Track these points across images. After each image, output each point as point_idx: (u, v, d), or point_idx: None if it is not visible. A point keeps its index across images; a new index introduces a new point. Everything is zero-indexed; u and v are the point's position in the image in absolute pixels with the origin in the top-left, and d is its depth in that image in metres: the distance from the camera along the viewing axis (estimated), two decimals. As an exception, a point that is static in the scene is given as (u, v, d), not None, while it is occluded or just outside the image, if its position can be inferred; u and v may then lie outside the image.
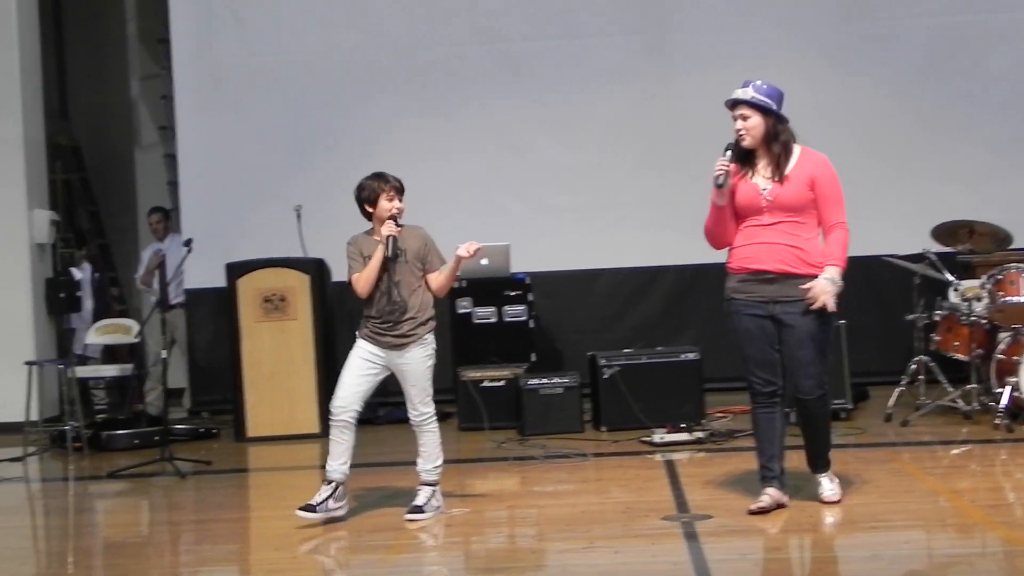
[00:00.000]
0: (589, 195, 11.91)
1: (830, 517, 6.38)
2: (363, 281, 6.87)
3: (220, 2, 12.26)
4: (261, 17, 12.23)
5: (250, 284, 10.42)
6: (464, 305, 10.87)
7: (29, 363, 10.41)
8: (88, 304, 12.28)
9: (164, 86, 13.23)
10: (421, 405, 6.98)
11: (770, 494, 6.43)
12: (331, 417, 6.95)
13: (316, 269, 10.52)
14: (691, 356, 9.77)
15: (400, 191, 6.97)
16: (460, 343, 10.84)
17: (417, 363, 6.89)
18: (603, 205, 11.88)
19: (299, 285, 10.42)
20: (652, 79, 11.96)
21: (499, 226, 11.53)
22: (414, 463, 8.99)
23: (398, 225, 6.92)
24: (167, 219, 12.32)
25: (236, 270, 10.48)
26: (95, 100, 14.39)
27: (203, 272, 11.29)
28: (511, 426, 9.89)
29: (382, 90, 12.10)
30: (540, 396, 9.75)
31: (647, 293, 11.94)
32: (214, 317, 11.80)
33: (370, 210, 6.97)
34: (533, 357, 10.68)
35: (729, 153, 6.34)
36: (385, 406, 11.43)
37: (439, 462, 7.03)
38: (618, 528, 6.44)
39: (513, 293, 10.89)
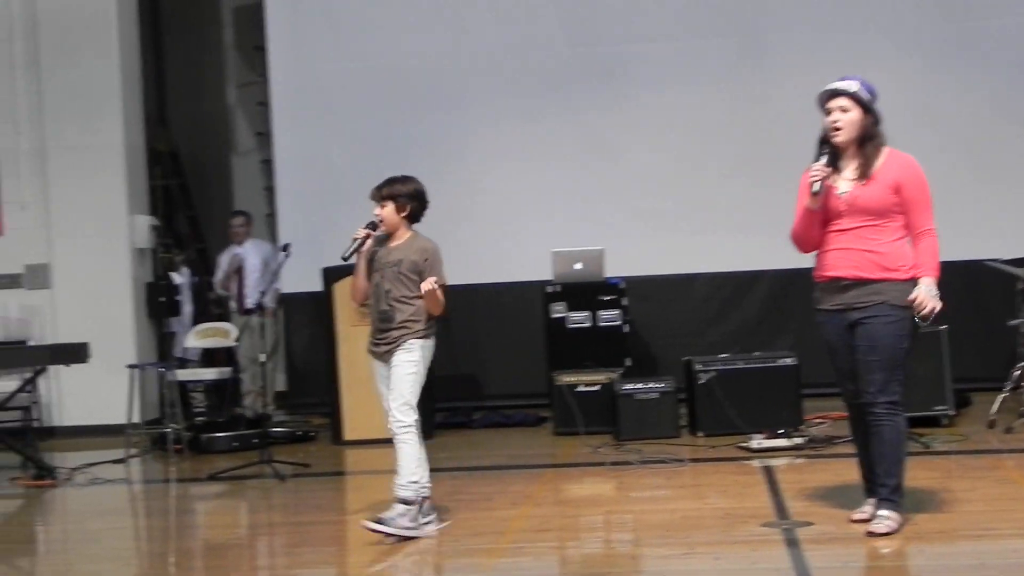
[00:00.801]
0: (684, 198, 11.84)
1: (934, 525, 6.25)
2: (351, 286, 6.91)
3: (315, 10, 12.39)
4: (355, 24, 12.33)
5: (347, 288, 10.42)
6: (558, 310, 10.85)
7: (131, 366, 10.56)
8: (187, 308, 12.45)
9: (260, 93, 13.38)
10: (398, 412, 6.62)
11: (872, 504, 6.26)
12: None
13: (411, 273, 10.55)
14: (789, 361, 9.64)
15: (381, 199, 6.83)
16: (554, 348, 10.83)
17: (399, 367, 6.63)
18: (698, 208, 11.79)
19: (394, 289, 10.45)
20: (747, 81, 11.86)
21: (593, 230, 11.52)
22: (512, 467, 9.08)
23: (374, 230, 6.83)
24: (249, 223, 12.47)
25: (333, 274, 10.55)
26: (193, 107, 14.61)
27: (299, 276, 11.40)
28: (606, 431, 9.85)
29: (474, 95, 12.14)
30: (636, 401, 9.69)
31: (744, 297, 11.83)
32: (310, 321, 11.92)
33: None
34: (628, 362, 10.63)
35: (826, 157, 6.09)
36: (480, 410, 11.50)
37: (415, 478, 6.63)
38: (718, 534, 6.38)
39: (607, 298, 10.85)
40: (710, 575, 5.61)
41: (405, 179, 6.93)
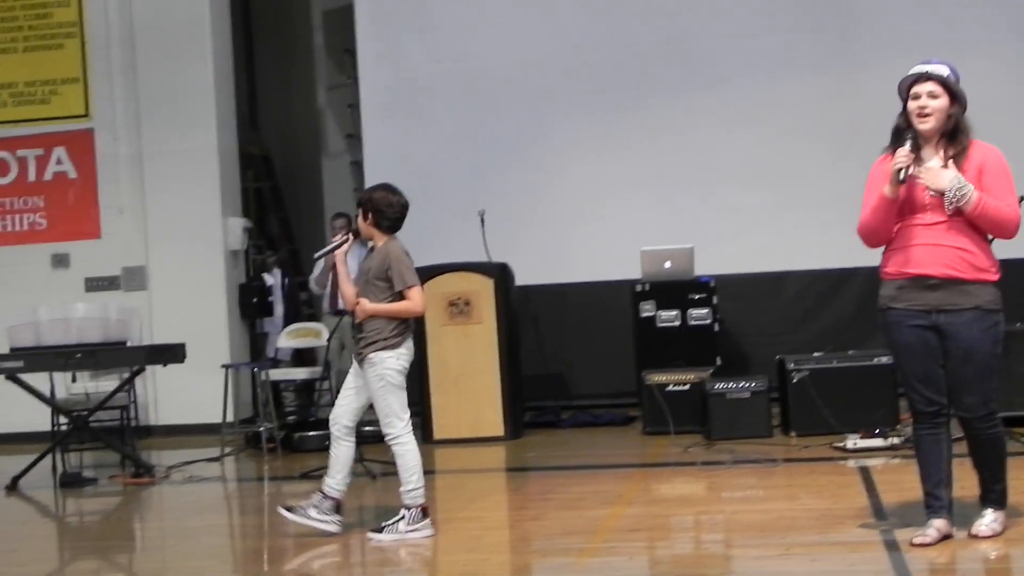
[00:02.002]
0: (774, 195, 11.73)
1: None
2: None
3: (404, 12, 12.47)
4: (444, 25, 12.39)
5: (435, 288, 10.51)
6: (647, 308, 10.80)
7: (225, 366, 10.70)
8: (279, 309, 12.59)
9: (350, 95, 13.49)
10: (384, 426, 6.76)
11: (936, 526, 5.76)
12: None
13: (500, 273, 10.59)
14: (884, 360, 9.44)
15: (357, 205, 6.98)
16: (644, 347, 10.79)
17: (369, 381, 6.73)
18: (789, 205, 11.68)
19: (483, 289, 10.49)
20: (840, 75, 11.72)
21: (682, 228, 11.47)
22: (602, 466, 9.07)
23: (356, 236, 7.03)
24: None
25: (421, 275, 10.36)
26: (284, 110, 14.78)
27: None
28: (696, 430, 9.80)
29: (563, 93, 12.13)
30: (727, 400, 9.62)
31: (837, 295, 11.69)
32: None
33: None
34: (718, 361, 10.56)
35: (910, 143, 5.65)
36: (569, 409, 11.49)
37: (410, 486, 6.71)
38: (814, 535, 6.30)
39: (697, 296, 10.78)
40: (807, 576, 5.55)
41: (374, 188, 7.03)
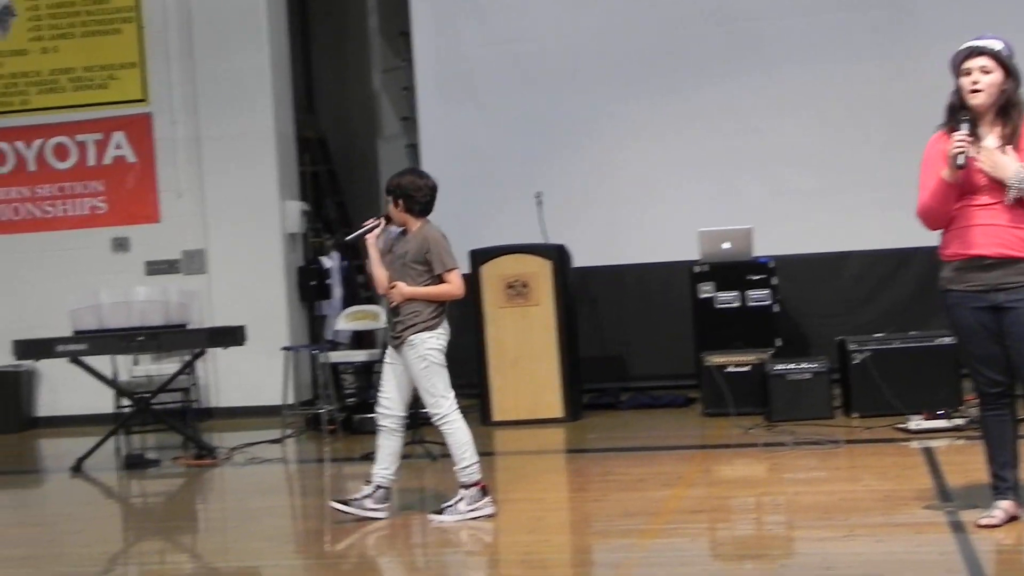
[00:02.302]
0: (834, 175, 11.63)
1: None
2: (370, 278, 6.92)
3: (459, -7, 12.45)
4: (499, 6, 12.37)
5: (493, 270, 10.53)
6: (706, 290, 10.75)
7: (285, 348, 10.76)
8: (337, 291, 12.65)
9: (405, 77, 13.51)
10: (430, 406, 6.80)
11: (1003, 508, 5.72)
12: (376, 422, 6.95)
13: (557, 255, 10.57)
14: (946, 340, 9.31)
15: (387, 193, 6.91)
16: (703, 328, 10.75)
17: (411, 364, 6.75)
18: (848, 185, 11.58)
19: (541, 271, 10.48)
20: (898, 53, 11.58)
21: (740, 209, 11.42)
22: (662, 448, 9.05)
23: (387, 222, 6.91)
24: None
25: (480, 257, 10.61)
26: (339, 94, 14.82)
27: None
28: (757, 412, 9.74)
29: (618, 74, 12.08)
30: (788, 381, 9.56)
31: (897, 276, 11.57)
32: (457, 303, 11.91)
33: None
34: (778, 342, 10.49)
35: (966, 125, 5.55)
36: (628, 391, 11.46)
37: (464, 463, 6.77)
38: (878, 516, 6.25)
39: (756, 277, 10.72)
40: (873, 558, 5.48)
41: (401, 174, 7.00)
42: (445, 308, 6.91)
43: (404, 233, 6.93)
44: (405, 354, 6.76)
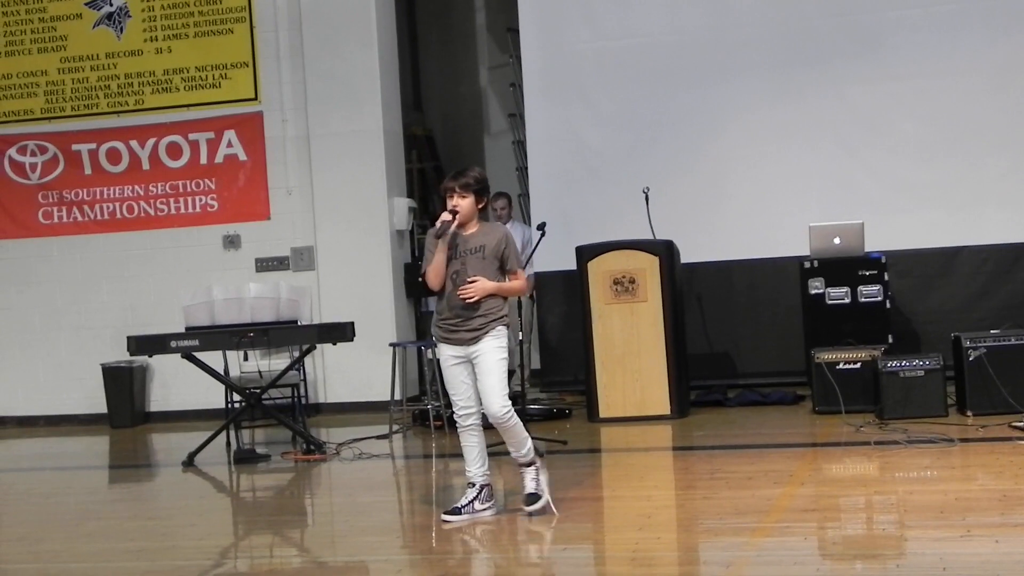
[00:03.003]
0: (947, 170, 11.40)
1: None
2: (430, 273, 6.76)
3: (567, -11, 12.41)
4: (606, 2, 12.29)
5: (600, 266, 10.48)
6: (816, 286, 10.62)
7: (393, 345, 10.83)
8: (444, 288, 12.66)
9: (512, 74, 13.51)
10: (500, 399, 6.68)
11: None
12: (458, 425, 6.91)
13: (666, 250, 10.49)
14: (1063, 337, 9.19)
15: (461, 188, 6.76)
16: (813, 325, 10.62)
17: (490, 354, 6.70)
18: (962, 179, 11.34)
19: (649, 267, 10.40)
20: (1014, 49, 11.30)
21: (852, 204, 11.26)
22: (771, 445, 8.94)
23: (453, 217, 6.76)
24: (510, 205, 12.62)
25: (586, 253, 10.57)
26: (447, 90, 14.88)
27: (551, 255, 11.40)
28: (868, 409, 9.59)
29: (728, 68, 11.94)
30: (900, 379, 9.38)
31: (1013, 271, 11.30)
32: (564, 299, 11.98)
33: None
34: (890, 338, 10.32)
35: None
36: (736, 388, 11.34)
37: (529, 444, 6.86)
38: (996, 516, 6.12)
39: (868, 273, 10.57)
40: (991, 559, 5.36)
41: (471, 170, 6.92)
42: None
43: (459, 228, 6.86)
44: (483, 348, 6.73)
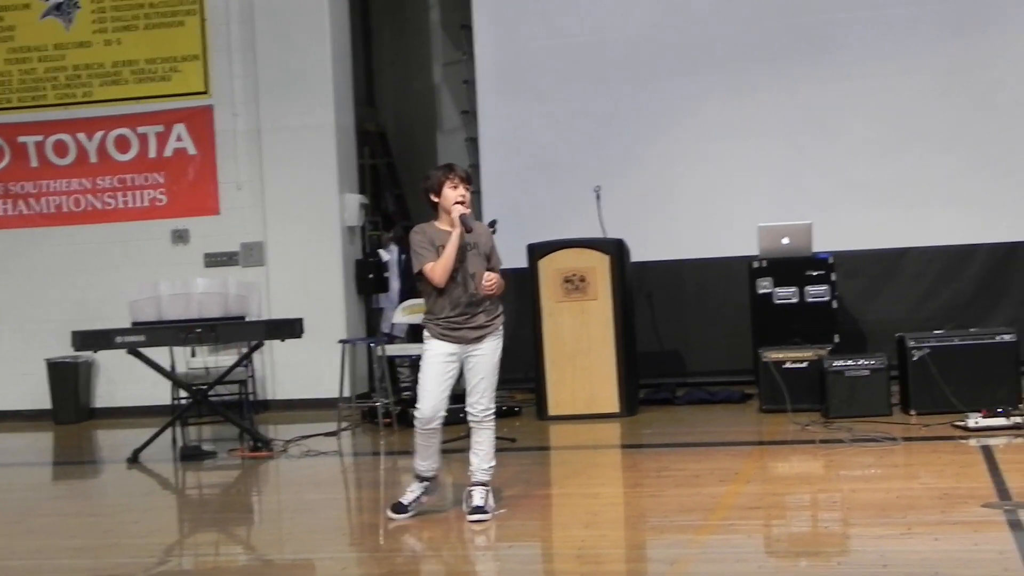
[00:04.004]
0: (895, 172, 11.52)
1: None
2: (440, 269, 6.59)
3: (520, -13, 12.42)
4: (560, 1, 12.31)
5: (551, 264, 10.50)
6: (765, 285, 10.70)
7: (342, 341, 10.80)
8: (395, 284, 12.67)
9: (466, 71, 13.50)
10: (487, 400, 6.67)
11: None
12: (419, 426, 6.70)
13: (616, 249, 10.52)
14: (1007, 338, 9.30)
15: (465, 180, 6.71)
16: (761, 324, 10.70)
17: (491, 355, 6.68)
18: (911, 180, 11.47)
19: (599, 265, 10.43)
20: (965, 49, 11.44)
21: (800, 204, 11.35)
22: (718, 444, 8.99)
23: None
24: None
25: (537, 251, 10.59)
26: (400, 87, 14.85)
27: (503, 253, 11.28)
28: (814, 408, 9.67)
29: (680, 67, 12.01)
30: (846, 378, 9.47)
31: (957, 272, 11.45)
32: (514, 297, 11.94)
33: (435, 199, 6.70)
34: (836, 338, 10.41)
35: None
36: (684, 386, 11.40)
37: (493, 463, 6.78)
38: (936, 515, 6.18)
39: (815, 273, 10.67)
40: (930, 556, 5.42)
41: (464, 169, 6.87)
42: None
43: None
44: (485, 348, 6.69)
